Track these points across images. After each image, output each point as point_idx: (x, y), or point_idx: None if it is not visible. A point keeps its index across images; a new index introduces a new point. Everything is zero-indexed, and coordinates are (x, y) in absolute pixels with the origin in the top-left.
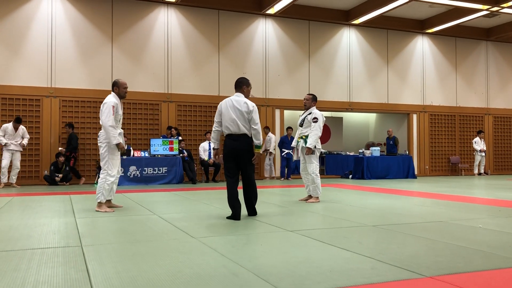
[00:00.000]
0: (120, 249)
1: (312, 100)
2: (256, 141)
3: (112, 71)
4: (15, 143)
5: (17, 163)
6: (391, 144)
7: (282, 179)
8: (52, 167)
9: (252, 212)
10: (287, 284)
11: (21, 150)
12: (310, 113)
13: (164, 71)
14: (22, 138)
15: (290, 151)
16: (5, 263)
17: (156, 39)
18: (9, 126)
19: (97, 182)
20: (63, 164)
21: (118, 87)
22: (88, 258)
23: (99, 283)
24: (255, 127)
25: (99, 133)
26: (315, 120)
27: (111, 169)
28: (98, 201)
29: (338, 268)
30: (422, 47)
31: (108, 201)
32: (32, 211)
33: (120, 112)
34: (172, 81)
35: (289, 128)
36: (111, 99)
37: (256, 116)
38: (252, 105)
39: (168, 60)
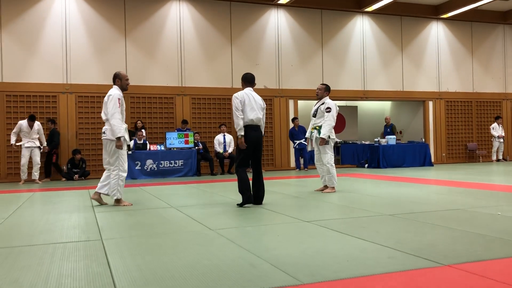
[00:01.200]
0: (139, 242)
1: (325, 90)
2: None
3: (126, 66)
4: (32, 140)
5: (37, 159)
6: (388, 131)
7: (298, 170)
8: (69, 164)
9: (261, 200)
10: (304, 274)
11: (39, 146)
12: (323, 103)
13: (178, 65)
14: (39, 137)
15: (301, 140)
16: (29, 257)
17: (168, 33)
18: (24, 123)
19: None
20: (80, 161)
21: (120, 79)
22: (108, 251)
23: (120, 276)
24: (264, 120)
25: (103, 129)
26: (328, 110)
27: (122, 164)
28: (115, 198)
29: (355, 258)
30: (437, 33)
31: (98, 194)
32: (53, 206)
33: (124, 105)
34: (185, 74)
35: (295, 118)
36: (116, 92)
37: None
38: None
39: (181, 54)
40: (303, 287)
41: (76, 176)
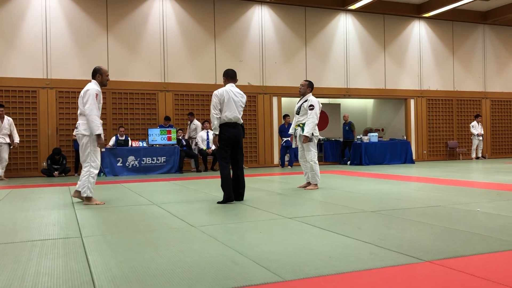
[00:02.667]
0: (120, 239)
1: (307, 87)
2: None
3: (108, 61)
4: (1, 136)
5: (5, 156)
6: (347, 129)
7: (281, 167)
8: (48, 160)
9: (242, 197)
10: (286, 270)
11: (9, 143)
12: (306, 100)
13: (160, 60)
14: (10, 133)
15: (289, 139)
16: (5, 255)
17: (151, 28)
18: None
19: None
20: (60, 158)
21: (101, 75)
22: (88, 249)
23: (99, 274)
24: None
25: (77, 123)
26: (311, 107)
27: (94, 161)
28: (85, 195)
29: (337, 254)
30: (419, 32)
31: (79, 192)
32: (31, 203)
33: (101, 101)
34: (168, 70)
35: (287, 115)
36: (94, 87)
37: None
38: (244, 95)
39: (164, 49)
40: (285, 284)
41: (56, 172)
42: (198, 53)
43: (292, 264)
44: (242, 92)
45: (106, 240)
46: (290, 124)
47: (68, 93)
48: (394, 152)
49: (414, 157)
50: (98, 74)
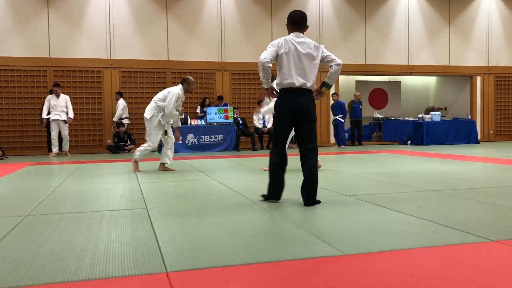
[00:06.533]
0: (182, 211)
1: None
2: (328, 79)
3: (168, 42)
4: (58, 113)
5: (65, 132)
6: (359, 108)
7: (337, 146)
8: (115, 138)
9: (309, 200)
10: (347, 245)
11: (65, 120)
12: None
13: (218, 40)
14: (67, 110)
15: (337, 117)
16: (79, 224)
17: (209, 8)
18: (51, 97)
19: (158, 151)
20: (125, 134)
21: (188, 84)
22: (153, 219)
23: (165, 242)
24: (338, 61)
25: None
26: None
27: (152, 141)
28: (134, 157)
29: (398, 232)
30: (488, 4)
31: (163, 164)
32: (98, 177)
33: (180, 103)
34: (225, 49)
35: (334, 94)
36: (176, 91)
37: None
38: (320, 45)
39: (221, 29)
40: (345, 258)
41: (129, 146)
42: (255, 32)
43: (351, 239)
44: (314, 43)
45: (169, 211)
46: (338, 102)
47: (131, 72)
48: (457, 132)
49: (479, 137)
50: (186, 82)
